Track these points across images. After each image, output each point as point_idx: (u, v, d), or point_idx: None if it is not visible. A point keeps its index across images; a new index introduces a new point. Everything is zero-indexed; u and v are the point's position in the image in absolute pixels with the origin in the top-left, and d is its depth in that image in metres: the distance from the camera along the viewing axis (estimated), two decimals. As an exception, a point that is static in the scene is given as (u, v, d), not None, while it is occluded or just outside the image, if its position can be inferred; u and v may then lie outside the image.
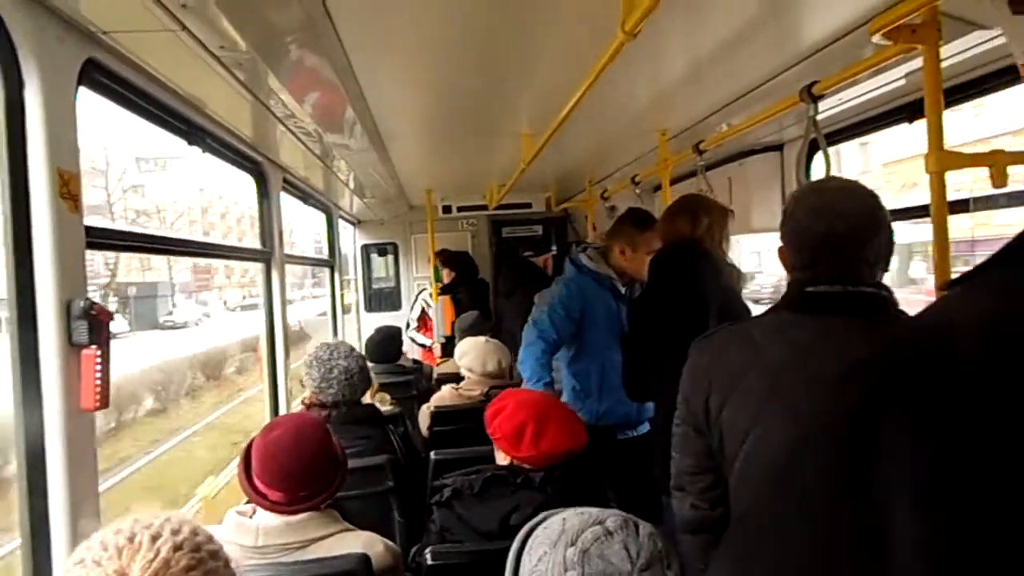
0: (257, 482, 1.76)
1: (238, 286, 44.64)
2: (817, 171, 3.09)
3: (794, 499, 0.45)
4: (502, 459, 2.02)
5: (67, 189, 1.55)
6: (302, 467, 1.75)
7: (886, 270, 1.47)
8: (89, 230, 1.66)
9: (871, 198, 1.47)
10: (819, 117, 2.26)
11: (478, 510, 1.86)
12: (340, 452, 1.89)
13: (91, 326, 1.54)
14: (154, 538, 0.96)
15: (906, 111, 2.57)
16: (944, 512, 0.37)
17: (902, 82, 2.29)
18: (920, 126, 1.82)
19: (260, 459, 1.76)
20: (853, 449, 0.40)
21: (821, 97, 2.22)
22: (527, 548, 1.10)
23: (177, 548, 0.97)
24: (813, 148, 2.54)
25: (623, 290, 3.03)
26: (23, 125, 1.49)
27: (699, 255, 2.47)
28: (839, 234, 1.42)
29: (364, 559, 1.65)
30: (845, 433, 0.42)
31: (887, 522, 0.38)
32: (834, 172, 2.30)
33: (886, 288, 1.44)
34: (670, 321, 2.42)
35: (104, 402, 1.57)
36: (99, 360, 1.55)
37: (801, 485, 0.45)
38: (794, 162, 3.33)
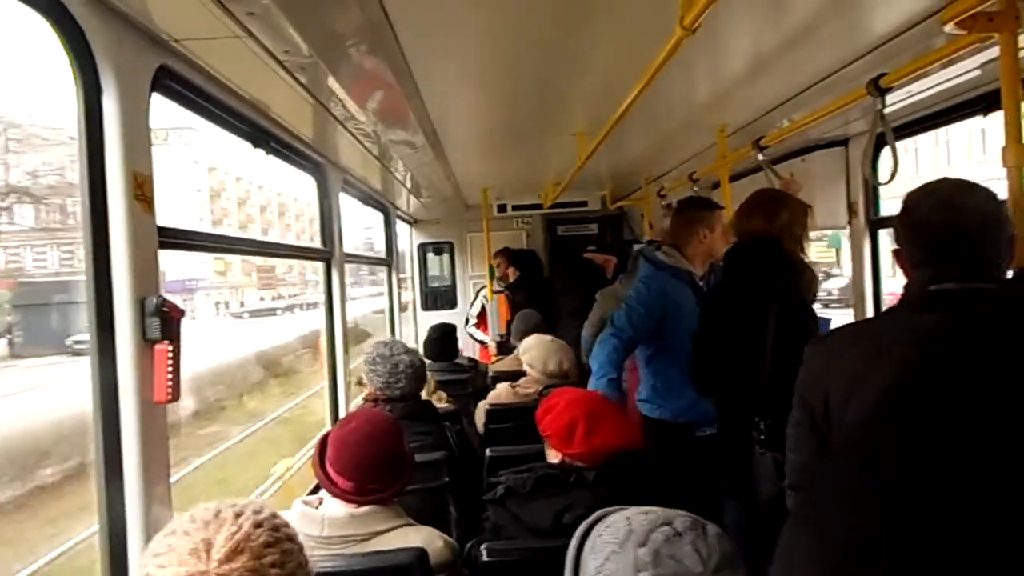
0: (330, 470, 1.81)
1: (256, 285, 42.38)
2: (884, 167, 2.98)
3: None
4: (553, 457, 2.02)
5: (141, 191, 1.63)
6: (375, 458, 1.80)
7: (1009, 266, 1.44)
8: (161, 230, 1.73)
9: (991, 194, 1.45)
10: (887, 110, 2.18)
11: (531, 508, 1.87)
12: (409, 451, 1.94)
13: (163, 322, 1.61)
14: (237, 515, 1.04)
15: (981, 103, 2.46)
16: None
17: (976, 72, 2.20)
18: (997, 118, 1.74)
19: (336, 448, 1.82)
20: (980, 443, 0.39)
21: (889, 90, 2.14)
22: (588, 547, 1.09)
23: (258, 525, 1.04)
24: (880, 143, 2.46)
25: (702, 284, 3.00)
26: (101, 130, 1.57)
27: (772, 253, 2.41)
28: (961, 229, 1.40)
29: (421, 554, 1.68)
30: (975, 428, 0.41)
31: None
32: (906, 167, 2.22)
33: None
34: (735, 319, 2.39)
35: (176, 395, 1.64)
36: (171, 355, 1.62)
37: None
38: (859, 158, 3.23)
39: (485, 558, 1.80)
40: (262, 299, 39.76)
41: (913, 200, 1.50)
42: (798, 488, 1.61)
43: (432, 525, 1.89)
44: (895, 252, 1.54)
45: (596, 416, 1.97)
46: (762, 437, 2.18)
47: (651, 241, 3.46)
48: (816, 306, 2.53)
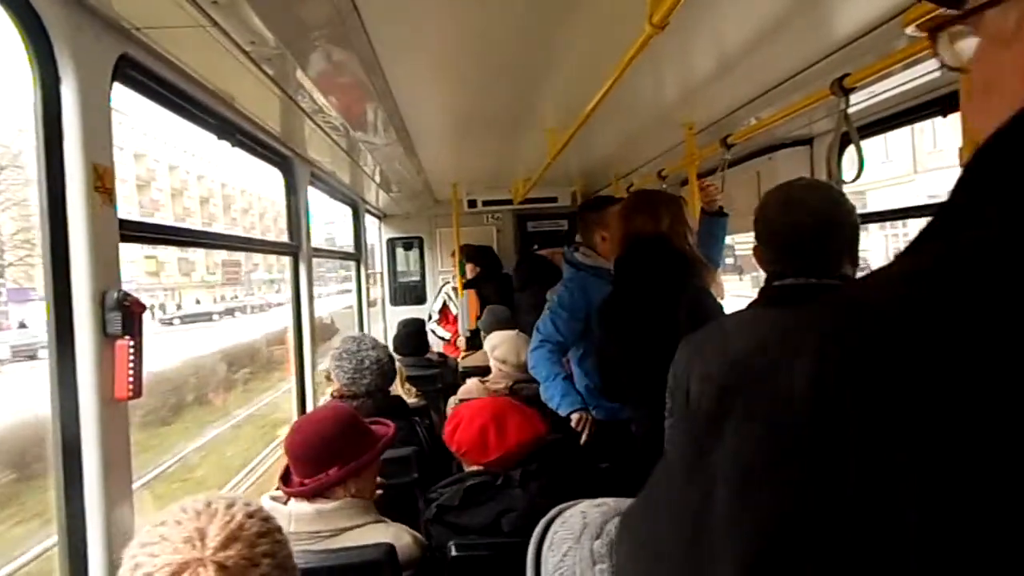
0: (291, 472, 1.81)
1: (204, 285, 38.54)
2: (848, 165, 3.04)
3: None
4: (473, 468, 2.04)
5: (101, 183, 1.59)
6: (317, 441, 1.81)
7: (855, 265, 1.52)
8: (123, 223, 1.69)
9: (834, 194, 1.55)
10: (850, 110, 2.23)
11: (468, 517, 1.88)
12: (366, 432, 1.91)
13: (125, 317, 1.57)
14: (229, 505, 1.05)
15: (940, 104, 2.52)
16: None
17: (936, 75, 2.25)
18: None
19: (286, 446, 1.81)
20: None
21: (852, 90, 2.19)
22: (547, 545, 1.10)
23: (249, 515, 1.06)
24: (844, 142, 2.50)
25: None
26: (59, 120, 1.53)
27: (665, 254, 2.44)
28: (804, 228, 1.49)
29: (390, 549, 1.67)
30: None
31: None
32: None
33: (852, 279, 1.49)
34: (639, 324, 2.41)
35: (137, 392, 1.60)
36: (132, 350, 1.58)
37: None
38: (824, 156, 3.28)
39: (454, 553, 1.80)
40: (198, 302, 35.64)
41: (764, 201, 1.60)
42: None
43: (401, 520, 1.89)
44: (754, 250, 1.62)
45: (502, 415, 2.01)
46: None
47: (572, 242, 3.49)
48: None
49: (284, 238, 3.51)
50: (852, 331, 0.39)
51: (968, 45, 0.54)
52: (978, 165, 0.44)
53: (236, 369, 17.39)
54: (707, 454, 0.43)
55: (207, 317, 31.25)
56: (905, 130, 1.74)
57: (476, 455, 1.99)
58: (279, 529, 1.10)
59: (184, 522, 1.01)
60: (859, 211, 1.62)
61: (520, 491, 1.87)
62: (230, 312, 33.39)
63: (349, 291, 5.81)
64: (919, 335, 0.35)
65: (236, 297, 38.61)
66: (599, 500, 1.10)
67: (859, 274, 1.54)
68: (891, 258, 0.46)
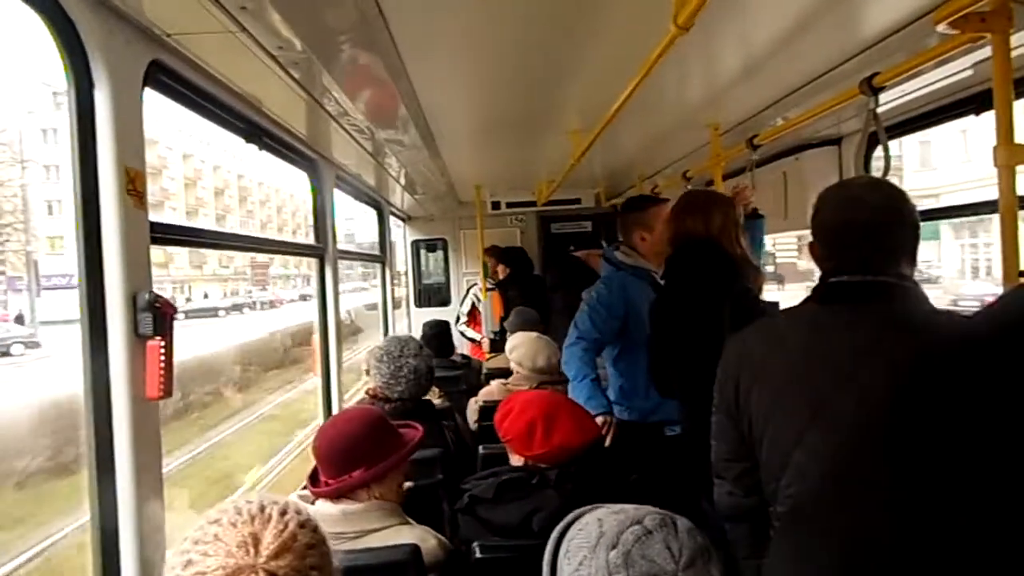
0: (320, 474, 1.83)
1: (216, 278, 37.60)
2: (877, 165, 3.00)
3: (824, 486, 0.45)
4: (516, 460, 2.03)
5: (133, 186, 1.62)
6: (341, 443, 1.82)
7: (913, 263, 1.50)
8: (154, 226, 1.72)
9: (895, 192, 1.52)
10: (879, 109, 2.19)
11: (498, 513, 1.88)
12: (395, 432, 1.92)
13: (156, 318, 1.60)
14: (282, 513, 1.06)
15: (973, 103, 2.47)
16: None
17: (969, 72, 2.21)
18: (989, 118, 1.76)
19: (314, 447, 1.83)
20: (867, 433, 0.40)
21: (882, 89, 2.15)
22: (563, 551, 1.09)
23: (301, 525, 1.06)
24: (873, 141, 2.46)
25: (663, 282, 3.00)
26: (93, 125, 1.56)
27: (714, 257, 2.43)
28: (860, 225, 1.47)
29: (415, 551, 1.68)
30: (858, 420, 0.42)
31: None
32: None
33: (910, 279, 1.47)
34: (685, 324, 2.40)
35: (168, 391, 1.63)
36: (163, 351, 1.61)
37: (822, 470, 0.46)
38: (852, 156, 3.24)
39: (478, 555, 1.80)
40: (206, 296, 35.16)
41: (822, 198, 1.57)
42: (719, 478, 1.68)
43: (426, 522, 1.89)
44: (810, 247, 1.61)
45: (553, 414, 1.99)
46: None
47: (613, 241, 3.47)
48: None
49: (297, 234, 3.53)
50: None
51: None
52: None
53: (236, 373, 17.06)
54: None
55: (212, 313, 30.14)
56: (989, 126, 1.71)
57: (520, 447, 1.99)
58: (326, 540, 1.10)
59: (239, 525, 1.02)
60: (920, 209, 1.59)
61: (554, 491, 1.87)
62: (237, 308, 32.53)
63: (365, 288, 5.85)
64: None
65: (250, 292, 38.07)
66: (618, 506, 1.10)
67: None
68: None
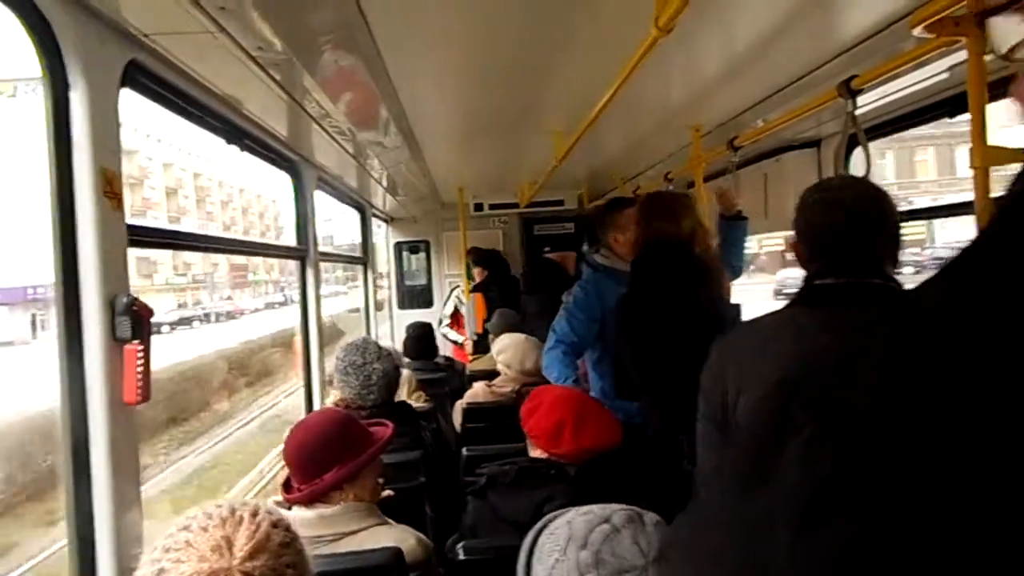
0: (292, 480, 1.81)
1: (169, 288, 33.71)
2: (856, 167, 3.03)
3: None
4: (538, 453, 2.03)
5: (110, 188, 1.60)
6: (311, 444, 1.80)
7: (896, 264, 1.50)
8: (131, 228, 1.70)
9: (877, 193, 1.51)
10: (858, 112, 2.22)
11: (512, 500, 1.87)
12: (364, 431, 1.91)
13: (133, 322, 1.58)
14: (254, 514, 1.05)
15: (949, 105, 2.51)
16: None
17: (945, 75, 2.24)
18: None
19: (283, 454, 1.82)
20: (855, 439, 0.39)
21: (860, 92, 2.18)
22: (536, 556, 1.11)
23: (274, 525, 1.05)
24: (852, 144, 2.49)
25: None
26: (68, 125, 1.54)
27: (684, 260, 2.44)
28: (844, 227, 1.46)
29: (397, 553, 1.67)
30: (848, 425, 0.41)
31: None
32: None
33: (895, 281, 1.47)
34: (654, 327, 2.40)
35: (146, 395, 1.61)
36: (141, 355, 1.59)
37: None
38: (831, 158, 3.28)
39: (462, 557, 1.80)
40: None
41: (805, 199, 1.57)
42: (706, 487, 1.65)
43: (408, 525, 1.88)
44: (793, 247, 1.60)
45: (583, 416, 1.98)
46: (688, 451, 2.22)
47: (591, 244, 3.48)
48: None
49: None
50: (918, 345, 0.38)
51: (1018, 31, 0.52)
52: None
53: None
54: (766, 473, 0.42)
55: (153, 330, 25.56)
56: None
57: (546, 443, 1.98)
58: (299, 539, 1.09)
59: (210, 529, 1.01)
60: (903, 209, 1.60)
61: (569, 486, 1.86)
62: (186, 322, 27.86)
63: (345, 293, 5.82)
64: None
65: (199, 303, 34.52)
66: (585, 508, 1.11)
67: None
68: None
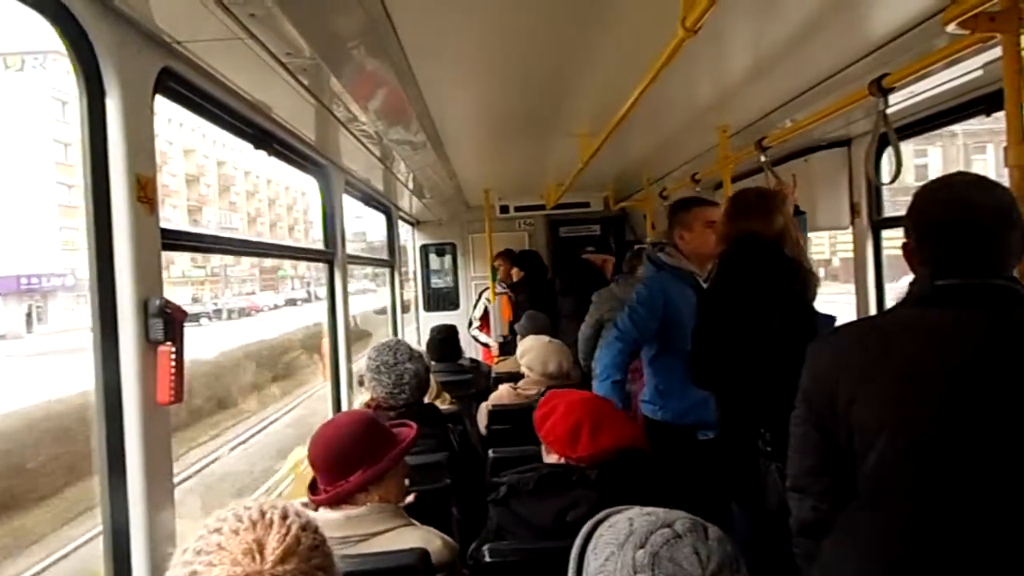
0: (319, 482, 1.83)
1: (182, 281, 31.06)
2: (887, 167, 2.98)
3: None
4: (554, 458, 2.02)
5: (144, 193, 1.63)
6: (336, 447, 1.81)
7: (1020, 264, 1.43)
8: (165, 232, 1.74)
9: (1004, 192, 1.45)
10: (889, 111, 2.18)
11: (534, 507, 1.86)
12: (388, 433, 1.91)
13: (166, 324, 1.61)
14: (284, 516, 1.04)
15: (984, 103, 2.45)
16: None
17: (979, 73, 2.19)
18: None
19: (308, 457, 1.83)
20: (996, 436, 0.39)
21: (891, 90, 2.14)
22: (591, 547, 1.09)
23: (304, 528, 1.05)
24: (883, 143, 2.45)
25: (705, 285, 2.99)
26: (104, 132, 1.57)
27: (774, 256, 2.39)
28: (972, 226, 1.40)
29: (423, 555, 1.67)
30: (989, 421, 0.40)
31: None
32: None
33: (1019, 282, 1.40)
34: (735, 320, 2.37)
35: (179, 396, 1.64)
36: (174, 356, 1.62)
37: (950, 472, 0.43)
38: (863, 158, 3.22)
39: (487, 559, 1.80)
40: None
41: (923, 196, 1.50)
42: (801, 491, 1.59)
43: (434, 527, 1.89)
44: (904, 247, 1.53)
45: (599, 418, 1.97)
46: (768, 448, 2.17)
47: (655, 243, 3.46)
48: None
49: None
50: None
51: None
52: None
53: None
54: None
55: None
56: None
57: (562, 447, 1.98)
58: (327, 541, 1.09)
59: (241, 532, 1.00)
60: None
61: (592, 491, 1.86)
62: (193, 319, 23.57)
63: (373, 291, 5.82)
64: None
65: (216, 297, 32.62)
66: (650, 509, 1.09)
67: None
68: None
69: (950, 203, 1.45)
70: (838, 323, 2.00)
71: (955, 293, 1.39)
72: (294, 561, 1.00)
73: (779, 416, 1.67)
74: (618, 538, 1.04)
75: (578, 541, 1.11)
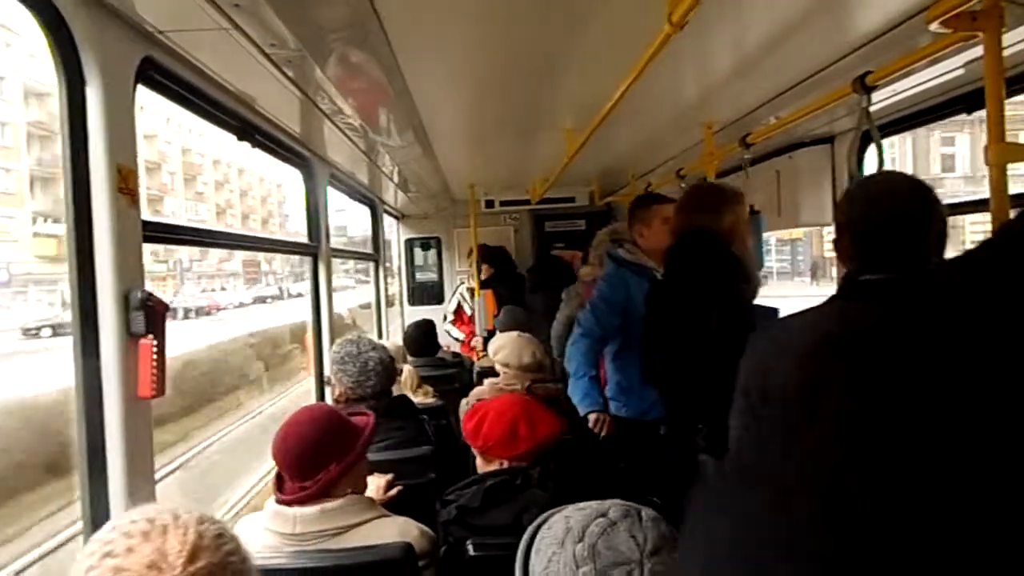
0: (284, 479, 1.81)
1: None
2: (870, 164, 3.01)
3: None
4: (493, 465, 2.04)
5: (125, 184, 1.61)
6: (300, 445, 1.79)
7: (941, 258, 1.48)
8: (146, 224, 1.72)
9: (921, 188, 1.50)
10: (872, 108, 2.20)
11: (488, 518, 1.88)
12: (351, 423, 1.90)
13: (148, 316, 1.59)
14: (175, 517, 0.97)
15: (965, 101, 2.48)
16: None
17: (961, 71, 2.22)
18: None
19: (277, 454, 1.81)
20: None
21: (874, 88, 2.16)
22: (535, 550, 1.11)
23: (200, 522, 0.98)
24: (865, 140, 2.47)
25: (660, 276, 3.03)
26: (84, 122, 1.55)
27: (718, 253, 2.42)
28: (890, 223, 1.45)
29: (408, 548, 1.68)
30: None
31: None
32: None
33: None
34: (677, 316, 2.40)
35: (160, 390, 1.62)
36: (155, 349, 1.61)
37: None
38: (845, 155, 3.25)
39: (472, 553, 1.80)
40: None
41: (848, 196, 1.57)
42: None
43: (418, 520, 1.89)
44: (834, 244, 1.60)
45: (531, 411, 2.03)
46: (703, 443, 2.21)
47: (615, 239, 3.49)
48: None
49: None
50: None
51: None
52: None
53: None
54: (796, 436, 0.41)
55: (34, 334, 18.82)
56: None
57: (502, 449, 2.00)
58: (228, 527, 1.03)
59: (136, 548, 0.93)
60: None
61: (539, 490, 1.88)
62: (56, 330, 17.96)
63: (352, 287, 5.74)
64: None
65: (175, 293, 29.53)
66: (583, 504, 1.12)
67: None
68: None
69: (869, 201, 1.51)
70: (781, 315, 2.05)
71: (875, 288, 1.44)
72: (204, 557, 0.95)
73: (716, 411, 1.70)
74: (557, 536, 1.07)
75: (521, 547, 1.14)
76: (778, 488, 0.40)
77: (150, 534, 0.94)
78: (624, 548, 1.02)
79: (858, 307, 1.44)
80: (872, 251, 1.47)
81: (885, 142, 2.32)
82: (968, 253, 0.44)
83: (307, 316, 3.57)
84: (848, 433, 0.38)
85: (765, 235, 3.74)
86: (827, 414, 0.40)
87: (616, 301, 2.97)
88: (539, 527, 1.14)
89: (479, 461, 2.10)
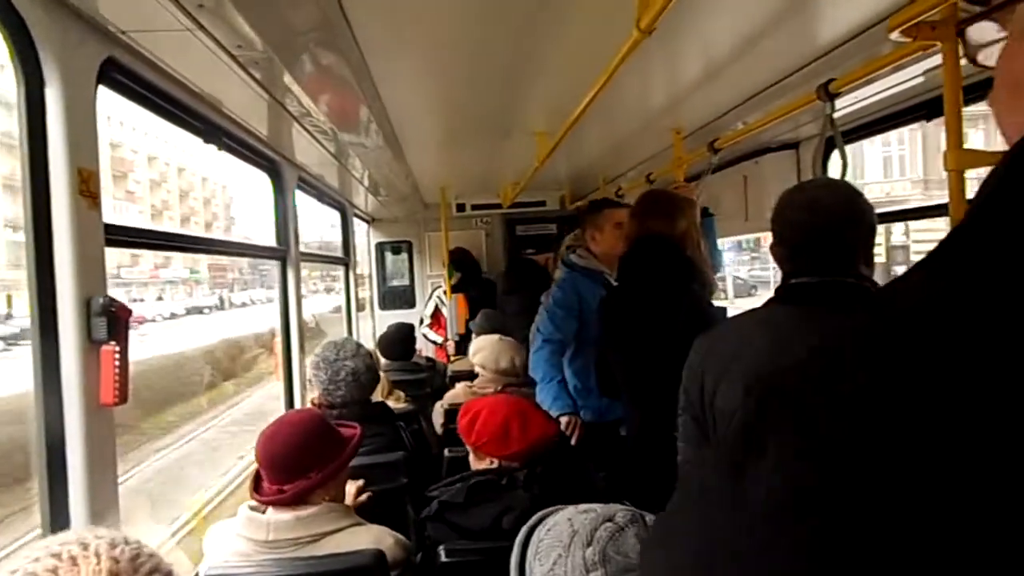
0: (263, 481, 1.79)
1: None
2: (834, 169, 3.07)
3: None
4: (484, 463, 2.04)
5: (86, 187, 1.57)
6: (284, 447, 1.78)
7: (870, 264, 1.53)
8: (108, 227, 1.68)
9: (851, 193, 1.56)
10: (836, 115, 2.24)
11: (469, 516, 1.88)
12: (337, 432, 1.90)
13: (110, 323, 1.56)
14: (84, 545, 0.92)
15: (925, 109, 2.54)
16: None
17: (921, 79, 2.27)
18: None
19: (260, 454, 1.79)
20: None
21: (838, 95, 2.20)
22: (532, 553, 1.10)
23: (113, 545, 0.94)
24: (830, 146, 2.52)
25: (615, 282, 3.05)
26: (43, 123, 1.51)
27: (673, 258, 2.45)
28: (818, 227, 1.50)
29: (379, 555, 1.66)
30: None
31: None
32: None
33: (870, 280, 1.51)
34: (638, 325, 2.43)
35: (123, 397, 1.59)
36: (118, 356, 1.57)
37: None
38: (810, 160, 3.31)
39: (444, 559, 1.79)
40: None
41: (781, 201, 1.61)
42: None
43: (390, 526, 1.87)
44: (771, 249, 1.64)
45: (524, 412, 2.04)
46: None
47: (570, 245, 3.54)
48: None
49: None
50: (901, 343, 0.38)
51: (994, 41, 0.52)
52: (1012, 166, 0.41)
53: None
54: (744, 466, 0.42)
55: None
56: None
57: (494, 447, 1.99)
58: (143, 543, 0.98)
59: (80, 562, 0.88)
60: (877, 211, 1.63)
61: (523, 492, 1.87)
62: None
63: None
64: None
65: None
66: (584, 506, 1.11)
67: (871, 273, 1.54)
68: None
69: (799, 207, 1.56)
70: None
71: (803, 291, 1.51)
72: None
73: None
74: (562, 539, 1.06)
75: (516, 548, 1.12)
76: (736, 514, 0.41)
77: (58, 571, 0.88)
78: (633, 554, 1.01)
79: (788, 313, 1.50)
80: (802, 257, 1.53)
81: (894, 134, 2.36)
82: (906, 274, 0.45)
83: (251, 327, 3.53)
84: (798, 463, 0.39)
85: (751, 244, 3.80)
86: (776, 449, 0.41)
87: (569, 305, 3.02)
88: (535, 527, 1.13)
89: (471, 458, 2.09)
